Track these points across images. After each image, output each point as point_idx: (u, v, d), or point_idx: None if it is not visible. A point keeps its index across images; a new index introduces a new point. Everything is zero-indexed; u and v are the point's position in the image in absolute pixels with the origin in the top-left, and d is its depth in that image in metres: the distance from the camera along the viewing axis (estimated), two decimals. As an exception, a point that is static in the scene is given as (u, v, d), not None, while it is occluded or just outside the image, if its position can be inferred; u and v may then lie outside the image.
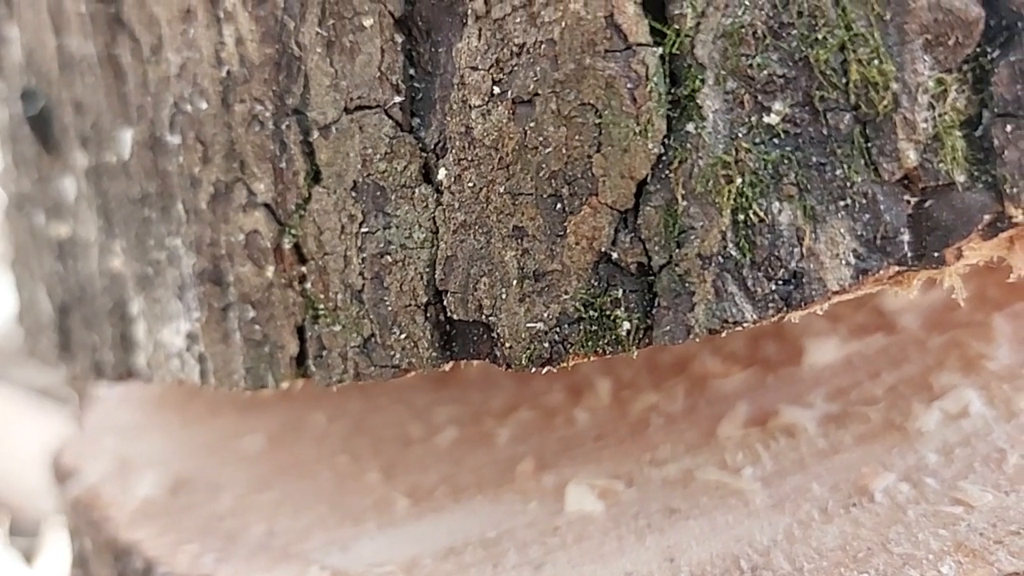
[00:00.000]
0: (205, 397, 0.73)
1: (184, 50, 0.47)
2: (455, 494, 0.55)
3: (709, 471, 0.51)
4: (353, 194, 0.43)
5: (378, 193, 0.43)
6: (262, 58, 0.45)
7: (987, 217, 0.39)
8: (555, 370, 0.41)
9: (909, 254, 0.39)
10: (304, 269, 0.45)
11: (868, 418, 0.52)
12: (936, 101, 0.38)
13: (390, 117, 0.42)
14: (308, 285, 0.45)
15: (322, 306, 0.45)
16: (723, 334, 0.39)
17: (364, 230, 0.43)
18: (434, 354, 0.43)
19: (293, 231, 0.45)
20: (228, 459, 0.65)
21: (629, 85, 0.38)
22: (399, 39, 0.42)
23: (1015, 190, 0.38)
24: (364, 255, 0.43)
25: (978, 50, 0.39)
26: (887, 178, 0.38)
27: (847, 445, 0.51)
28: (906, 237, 0.39)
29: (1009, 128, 0.38)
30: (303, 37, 0.44)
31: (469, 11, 0.41)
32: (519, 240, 0.41)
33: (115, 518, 0.61)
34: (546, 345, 0.41)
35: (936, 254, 0.39)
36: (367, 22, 0.42)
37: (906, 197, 0.39)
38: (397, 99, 0.42)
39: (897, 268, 0.39)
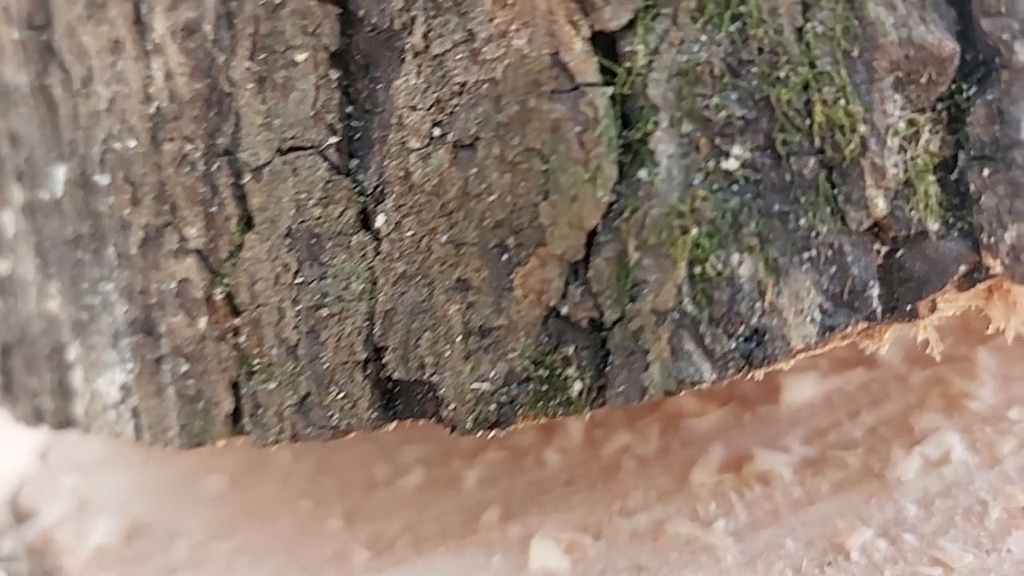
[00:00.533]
0: None
1: (113, 83, 0.45)
2: (417, 545, 0.52)
3: (680, 523, 0.49)
4: (287, 242, 0.40)
5: (313, 241, 0.40)
6: (192, 94, 0.42)
7: (963, 268, 0.36)
8: (502, 434, 0.38)
9: (879, 308, 0.36)
10: (237, 321, 0.42)
11: (846, 464, 0.49)
12: (908, 144, 0.36)
13: (325, 159, 0.40)
14: (242, 339, 0.42)
15: (256, 362, 0.42)
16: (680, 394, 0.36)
17: (299, 280, 0.40)
18: (374, 414, 0.40)
19: (225, 280, 0.42)
20: (188, 501, 0.63)
21: (577, 128, 0.36)
22: (335, 75, 0.39)
23: (992, 239, 0.36)
24: (299, 308, 0.40)
25: (953, 87, 0.36)
26: (855, 227, 0.36)
27: (824, 494, 0.48)
28: (876, 290, 0.36)
29: (986, 172, 0.36)
30: (233, 72, 0.41)
31: (407, 46, 0.38)
32: (463, 293, 0.38)
33: (67, 568, 0.59)
34: (493, 407, 0.38)
35: (908, 307, 0.36)
36: (300, 57, 0.40)
37: (876, 247, 0.36)
38: (333, 140, 0.40)
39: (866, 324, 0.36)
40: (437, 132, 0.37)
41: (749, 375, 0.37)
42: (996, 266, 0.36)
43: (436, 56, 0.37)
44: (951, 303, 0.37)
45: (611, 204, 0.36)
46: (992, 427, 0.48)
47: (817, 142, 0.35)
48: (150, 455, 0.69)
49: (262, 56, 0.40)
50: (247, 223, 0.41)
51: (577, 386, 0.38)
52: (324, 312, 0.40)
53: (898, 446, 0.49)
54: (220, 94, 0.41)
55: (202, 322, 0.43)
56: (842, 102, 0.35)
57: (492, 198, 0.37)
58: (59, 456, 0.74)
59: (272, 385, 0.42)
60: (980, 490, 0.45)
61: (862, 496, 0.47)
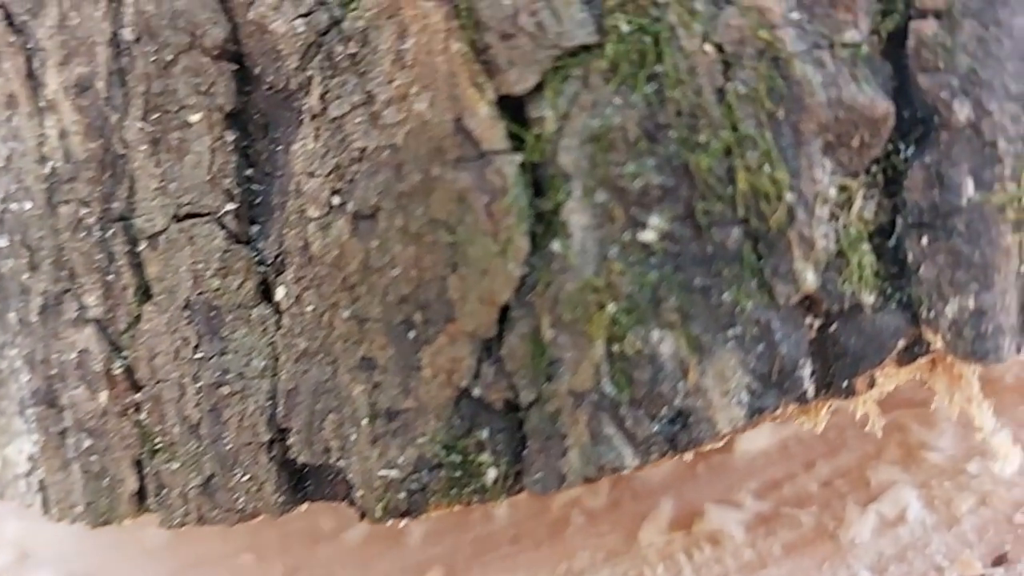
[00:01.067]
0: None
1: (9, 140, 0.42)
2: (357, 606, 0.50)
3: None
4: (186, 314, 0.38)
5: (212, 314, 0.37)
6: (86, 154, 0.39)
7: (902, 342, 0.34)
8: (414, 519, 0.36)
9: (810, 388, 0.34)
10: (138, 397, 0.39)
11: (799, 523, 0.47)
12: (839, 211, 0.33)
13: (223, 227, 0.37)
14: (143, 415, 0.39)
15: (159, 440, 0.39)
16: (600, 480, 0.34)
17: (199, 356, 0.38)
18: (281, 498, 0.37)
19: (124, 353, 0.39)
20: (129, 554, 0.61)
21: (484, 198, 0.33)
22: (231, 137, 0.37)
23: (932, 313, 0.33)
24: (199, 384, 0.38)
25: (889, 148, 0.34)
26: (783, 302, 0.33)
27: (775, 557, 0.46)
28: (807, 369, 0.33)
29: (925, 240, 0.33)
30: (127, 133, 0.38)
31: (304, 108, 0.35)
32: (368, 373, 0.35)
33: (3, 622, 0.57)
34: (403, 495, 0.36)
35: (844, 384, 0.34)
36: (194, 117, 0.37)
37: (808, 320, 0.34)
38: (230, 206, 0.37)
39: (797, 402, 0.34)
40: (336, 201, 0.35)
41: (675, 458, 0.34)
42: (936, 341, 0.33)
43: (334, 119, 0.35)
44: (891, 378, 0.35)
45: (523, 277, 0.34)
46: (951, 481, 0.46)
47: (741, 211, 0.33)
48: None
49: (155, 116, 0.38)
50: (145, 293, 0.39)
51: (492, 473, 0.35)
52: (225, 390, 0.37)
53: (853, 502, 0.47)
54: (114, 156, 0.39)
55: (103, 396, 0.40)
56: (767, 168, 0.32)
57: (396, 272, 0.34)
58: (3, 504, 0.72)
59: (175, 465, 0.39)
60: (936, 554, 0.43)
61: (814, 559, 0.45)
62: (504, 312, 0.34)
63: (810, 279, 0.33)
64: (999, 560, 0.42)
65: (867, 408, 0.36)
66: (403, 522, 0.36)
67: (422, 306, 0.34)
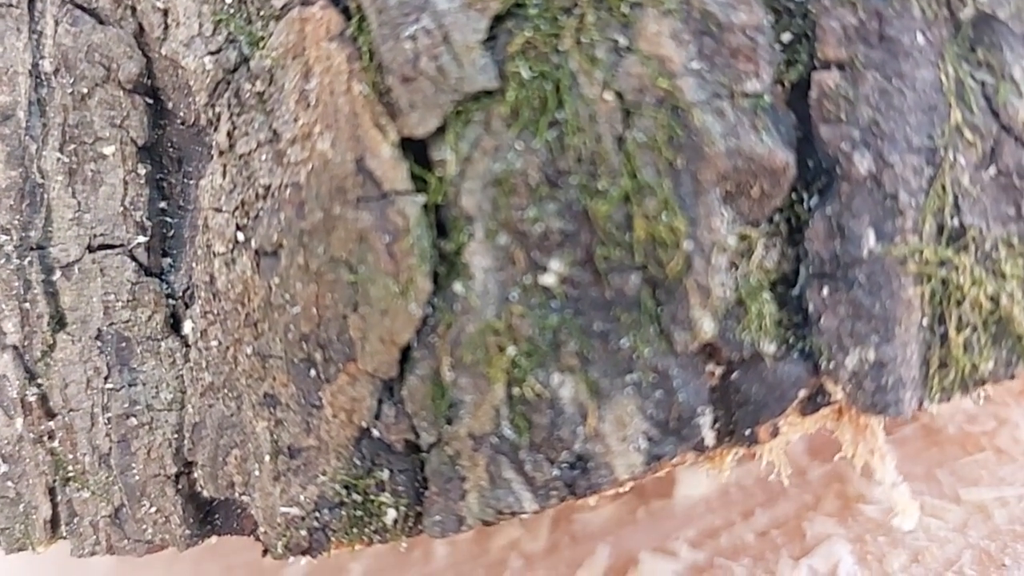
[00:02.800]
0: None
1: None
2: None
3: None
4: (98, 344, 0.38)
5: (123, 345, 0.37)
6: (6, 182, 0.39)
7: (803, 392, 0.33)
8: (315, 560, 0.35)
9: (710, 436, 0.33)
10: (52, 425, 0.39)
11: (733, 574, 0.46)
12: (739, 259, 0.33)
13: (134, 259, 0.37)
14: (56, 443, 0.39)
15: (71, 468, 0.39)
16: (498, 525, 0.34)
17: (109, 386, 0.38)
18: (188, 531, 0.37)
19: (39, 381, 0.39)
20: None
21: (386, 239, 0.33)
22: (143, 170, 0.37)
23: (833, 364, 0.33)
24: (109, 415, 0.38)
25: (793, 197, 0.33)
26: (682, 350, 0.33)
27: None
28: (707, 417, 0.33)
29: (826, 291, 0.33)
30: (44, 163, 0.38)
31: (213, 144, 0.35)
32: (271, 409, 0.35)
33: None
34: (304, 532, 0.36)
35: (747, 432, 0.34)
36: (108, 150, 0.37)
37: (709, 367, 0.33)
38: (141, 239, 0.37)
39: (696, 450, 0.33)
40: (241, 237, 0.35)
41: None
42: (836, 392, 0.33)
43: (241, 156, 0.35)
44: (795, 427, 0.34)
45: (425, 318, 0.34)
46: (885, 537, 0.46)
47: (639, 258, 0.33)
48: None
49: (72, 147, 0.38)
50: (59, 322, 0.39)
51: (392, 514, 0.35)
52: (133, 421, 0.37)
53: (787, 555, 0.46)
54: (33, 185, 0.39)
55: (19, 423, 0.40)
56: (665, 216, 0.32)
57: (297, 309, 0.34)
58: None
59: (86, 494, 0.39)
60: None
61: None
62: (405, 353, 0.34)
63: (707, 327, 0.32)
64: None
65: (773, 456, 0.35)
66: (303, 560, 0.35)
67: (323, 345, 0.34)
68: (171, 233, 0.37)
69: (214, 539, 0.38)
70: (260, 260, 0.34)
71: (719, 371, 0.34)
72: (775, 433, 0.34)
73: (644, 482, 0.53)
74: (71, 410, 0.39)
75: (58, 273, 0.38)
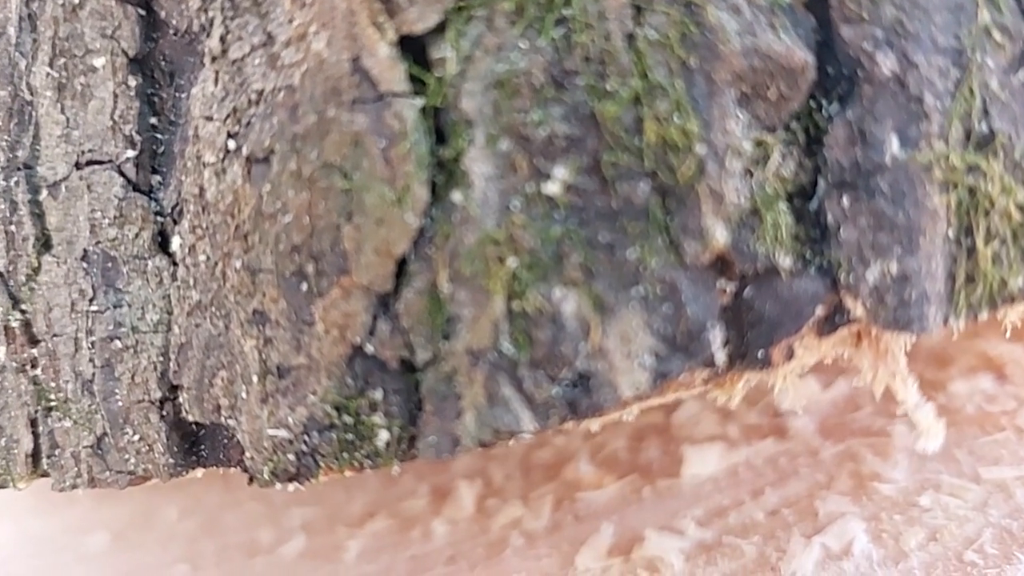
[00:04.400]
0: None
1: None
2: (284, 624, 0.47)
3: None
4: (84, 265, 0.36)
5: (109, 265, 0.35)
6: (-5, 102, 0.37)
7: (820, 310, 0.31)
8: (302, 487, 0.33)
9: (721, 355, 0.31)
10: (35, 352, 0.37)
11: (742, 553, 0.44)
12: (754, 167, 0.31)
13: (122, 174, 0.35)
14: (39, 371, 0.37)
15: (53, 397, 0.37)
16: (497, 446, 0.31)
17: (94, 308, 0.35)
18: (171, 460, 0.35)
19: (23, 306, 0.37)
20: (69, 559, 0.59)
21: (381, 143, 0.31)
22: (134, 82, 0.35)
23: (852, 278, 0.31)
24: (93, 338, 0.36)
25: (812, 104, 0.31)
26: (692, 261, 0.30)
27: None
28: (717, 334, 0.31)
29: (846, 200, 0.31)
30: (34, 79, 0.36)
31: (206, 50, 0.33)
32: (260, 327, 0.33)
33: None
34: (292, 457, 0.33)
35: (760, 353, 0.31)
36: (99, 62, 0.35)
37: (721, 284, 0.31)
38: (130, 153, 0.35)
39: (706, 370, 0.31)
40: (232, 145, 0.33)
41: (578, 425, 0.32)
42: (856, 308, 0.31)
43: (234, 61, 0.33)
44: (811, 350, 0.32)
45: (422, 229, 0.31)
46: (901, 515, 0.43)
47: (648, 164, 0.30)
48: (40, 507, 0.65)
49: (61, 61, 0.36)
50: (45, 244, 0.37)
51: (384, 435, 0.32)
52: (118, 344, 0.35)
53: (799, 533, 0.43)
54: (22, 103, 0.37)
55: (1, 351, 0.38)
56: (677, 118, 0.30)
57: (288, 219, 0.32)
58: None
59: (68, 423, 0.37)
60: None
61: None
62: (401, 266, 0.32)
63: (720, 236, 0.30)
64: None
65: (787, 384, 0.33)
66: (291, 487, 0.33)
67: (315, 257, 0.32)
68: (161, 150, 0.35)
69: (199, 472, 0.36)
70: (251, 168, 0.32)
71: (731, 288, 0.31)
72: (790, 355, 0.31)
73: (652, 459, 0.50)
74: (55, 335, 0.36)
75: (44, 192, 0.36)
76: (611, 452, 0.53)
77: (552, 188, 0.31)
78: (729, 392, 0.33)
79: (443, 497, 0.54)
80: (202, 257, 0.34)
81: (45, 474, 0.39)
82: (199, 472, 0.36)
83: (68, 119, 0.36)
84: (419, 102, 0.31)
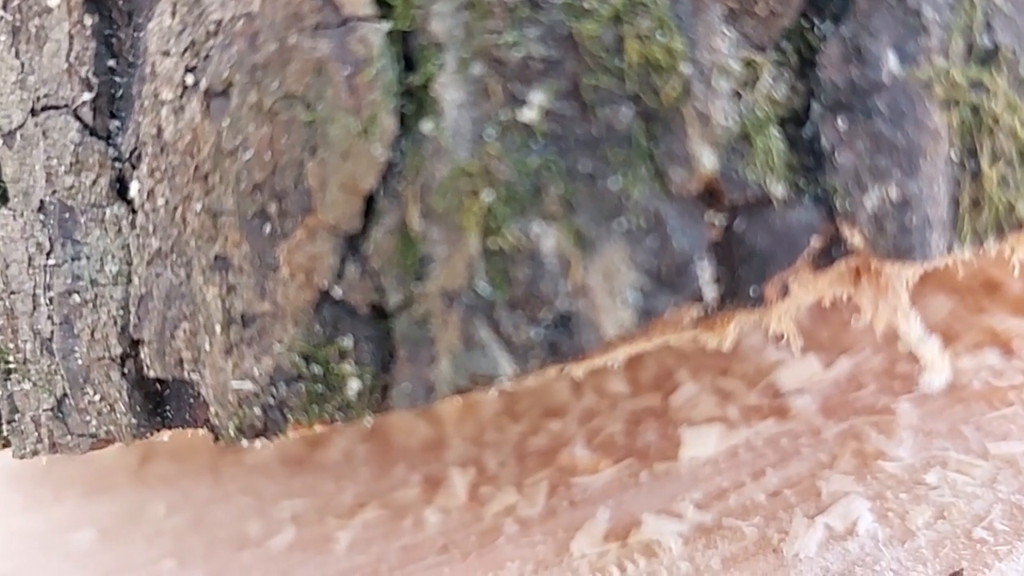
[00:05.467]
0: (54, 478, 0.65)
1: None
2: (272, 618, 0.45)
3: None
4: (40, 217, 0.33)
5: (66, 216, 0.33)
6: (-51, 51, 0.35)
7: (815, 240, 0.29)
8: (270, 443, 0.31)
9: (709, 291, 0.28)
10: (-8, 312, 0.35)
11: (743, 535, 0.41)
12: (743, 89, 0.28)
13: (78, 119, 0.33)
14: (-3, 332, 0.35)
15: (12, 358, 0.35)
16: (474, 392, 0.29)
17: (51, 262, 0.33)
18: (135, 420, 0.33)
19: (-20, 264, 0.35)
20: (55, 556, 0.57)
21: (346, 71, 0.29)
22: (90, 21, 0.33)
23: (850, 204, 0.28)
24: (51, 294, 0.33)
25: (803, 23, 0.29)
26: (678, 191, 0.28)
27: (713, 571, 0.40)
28: (706, 268, 0.28)
29: (842, 123, 0.28)
30: (-12, 24, 0.34)
31: (163, -17, 0.31)
32: (223, 273, 0.31)
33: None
34: (258, 410, 0.31)
35: (752, 290, 0.29)
36: (53, 2, 0.33)
37: (709, 218, 0.29)
38: (87, 96, 0.33)
39: (695, 308, 0.28)
40: (190, 80, 0.30)
41: (560, 370, 0.29)
42: (854, 237, 0.28)
43: (191, -9, 0.30)
44: (807, 287, 0.29)
45: (390, 163, 0.29)
46: (907, 493, 0.40)
47: (631, 86, 0.28)
48: (28, 504, 0.63)
49: (15, 3, 0.33)
50: (2, 197, 0.34)
51: (355, 385, 0.30)
52: (76, 299, 0.33)
53: (802, 514, 0.41)
54: (-24, 49, 0.35)
55: (-41, 314, 0.36)
56: (660, 36, 0.28)
57: (249, 155, 0.30)
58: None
59: (27, 386, 0.34)
60: (886, 571, 0.37)
61: (754, 574, 0.39)
62: (369, 203, 0.29)
63: (707, 161, 0.28)
64: None
65: (783, 325, 0.30)
66: (258, 444, 0.30)
67: (278, 196, 0.30)
68: (119, 93, 0.33)
69: (166, 436, 0.33)
70: (210, 102, 0.30)
71: (720, 221, 0.29)
72: (785, 293, 0.29)
73: (650, 442, 0.48)
74: (12, 293, 0.34)
75: (0, 142, 0.34)
76: (607, 436, 0.51)
77: (528, 115, 0.28)
78: (720, 334, 0.30)
79: (435, 486, 0.52)
80: (161, 201, 0.31)
81: (7, 443, 0.36)
82: (165, 435, 0.34)
83: (23, 64, 0.33)
84: (385, 26, 0.29)
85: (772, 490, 0.43)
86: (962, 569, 0.36)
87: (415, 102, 0.29)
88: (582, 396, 0.55)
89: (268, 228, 0.30)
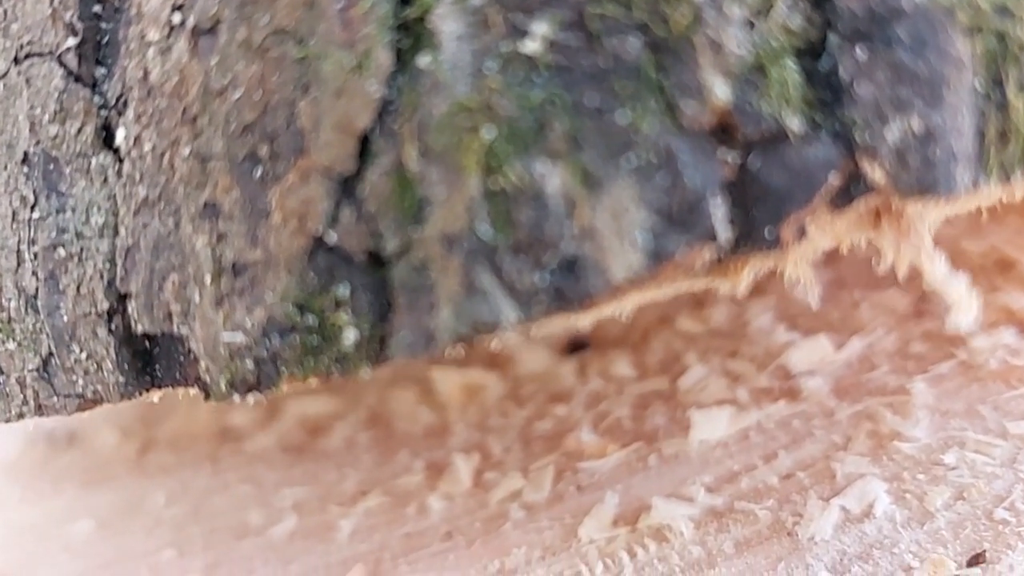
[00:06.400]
0: (53, 470, 0.64)
1: None
2: (273, 608, 0.43)
3: None
4: (24, 170, 0.32)
5: (50, 167, 0.31)
6: (-69, 3, 0.33)
7: (834, 177, 0.27)
8: (263, 397, 0.29)
9: (723, 231, 0.27)
10: (-23, 270, 0.33)
11: (756, 518, 0.40)
12: (757, 18, 0.26)
13: (62, 65, 0.31)
14: (-19, 291, 0.33)
15: (-4, 318, 0.33)
16: (476, 342, 0.27)
17: (36, 216, 0.31)
18: (122, 379, 0.31)
19: (-37, 221, 0.33)
20: (53, 548, 0.55)
21: (339, 3, 0.27)
22: (74, -35, 0.31)
23: (870, 137, 0.26)
24: (36, 249, 0.31)
25: (820, -51, 0.27)
26: (689, 125, 0.26)
27: (726, 555, 0.39)
28: (720, 205, 0.27)
29: (861, 53, 0.27)
30: (-31, -30, 0.32)
31: (148, -81, 0.29)
32: (212, 221, 0.29)
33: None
34: (250, 364, 0.29)
35: (768, 231, 0.27)
36: (36, -55, 0.31)
37: (722, 155, 0.27)
38: (71, 42, 0.31)
39: (708, 249, 0.27)
40: (177, 19, 0.29)
41: (566, 318, 0.27)
42: (875, 172, 0.26)
43: (178, -74, 0.29)
44: (825, 229, 0.28)
45: (386, 100, 0.27)
46: (925, 474, 0.39)
47: (639, 15, 0.26)
48: (26, 496, 0.62)
49: (-3, -54, 0.32)
50: (-15, 150, 0.33)
51: (351, 335, 0.28)
52: (62, 253, 0.31)
53: (816, 496, 0.40)
54: (-42, -1, 0.33)
55: (-58, 274, 0.34)
56: (668, -39, 0.26)
57: (239, 94, 0.28)
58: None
59: (12, 346, 0.33)
60: (905, 553, 0.36)
61: (769, 558, 0.38)
62: (364, 144, 0.28)
63: (720, 91, 0.26)
64: (976, 559, 0.35)
65: (799, 271, 0.28)
66: (251, 399, 0.29)
67: (269, 137, 0.28)
68: (105, 39, 0.31)
69: (156, 397, 0.32)
70: (197, 41, 0.28)
71: (734, 159, 0.27)
72: (801, 234, 0.27)
73: (658, 425, 0.46)
74: (-5, 249, 0.32)
75: (-18, 93, 0.32)
76: (614, 420, 0.50)
77: (531, 46, 0.27)
78: (734, 280, 0.28)
79: (439, 472, 0.50)
80: (148, 147, 0.30)
81: (-8, 407, 0.34)
82: (155, 396, 0.32)
83: (6, 12, 0.32)
84: (378, -43, 0.27)
85: (785, 473, 0.42)
86: (984, 550, 0.35)
87: (411, 35, 0.27)
88: (587, 381, 0.54)
89: (259, 172, 0.28)
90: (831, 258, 0.57)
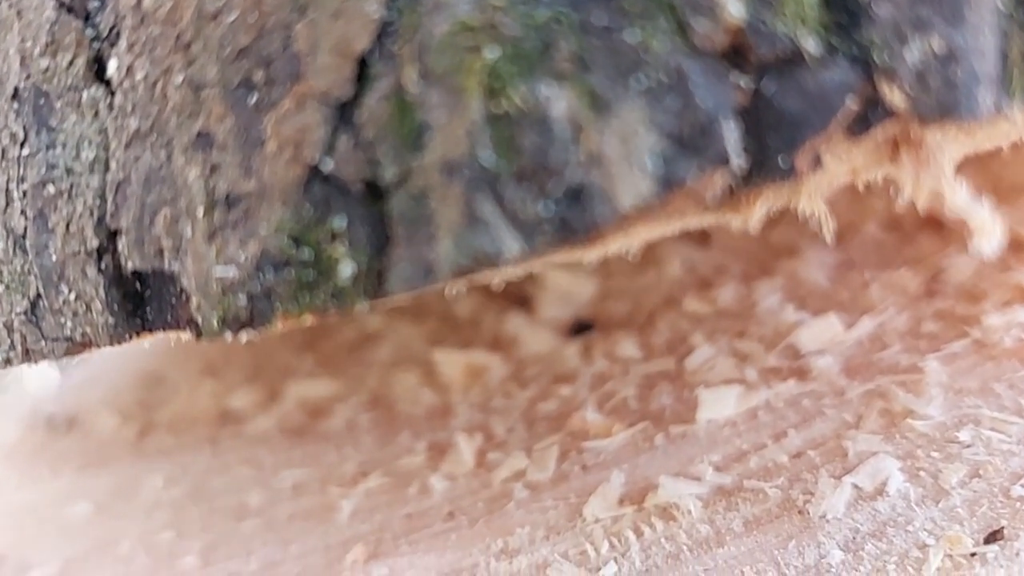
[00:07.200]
0: (51, 453, 0.63)
1: None
2: (272, 589, 0.42)
3: (565, 568, 0.38)
4: (14, 106, 0.30)
5: (41, 101, 0.30)
6: (-78, -60, 0.32)
7: (851, 101, 0.25)
8: (256, 334, 0.27)
9: (737, 155, 0.25)
10: (-35, 212, 0.32)
11: (765, 496, 0.38)
12: (771, -66, 0.25)
13: (54, -3, 0.30)
14: (-31, 233, 0.32)
15: (-16, 260, 0.32)
16: (477, 275, 0.26)
17: (25, 153, 0.30)
18: (112, 320, 0.30)
19: (-48, 161, 0.32)
20: (51, 530, 0.55)
21: (336, -80, 0.26)
22: None
23: (889, 58, 0.25)
24: (25, 186, 0.30)
25: None
26: (701, 45, 0.25)
27: (735, 533, 0.37)
28: (733, 129, 0.25)
29: (879, -27, 0.25)
30: (-39, -96, 0.31)
31: None
32: (205, 152, 0.28)
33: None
34: (243, 299, 0.28)
35: (782, 160, 0.26)
36: None
37: (735, 79, 0.26)
38: (63, -27, 0.30)
39: (721, 176, 0.25)
40: (170, -59, 0.27)
41: (571, 250, 0.26)
42: (894, 95, 0.25)
43: None
44: (841, 158, 0.26)
45: (385, 22, 0.26)
46: (939, 452, 0.38)
47: (648, -71, 0.25)
48: (23, 479, 0.61)
49: None
50: (-26, 88, 0.32)
51: (348, 268, 0.27)
52: (51, 189, 0.30)
53: (827, 474, 0.38)
54: (-51, -67, 0.32)
55: (-70, 218, 0.33)
56: None
57: (233, 16, 0.27)
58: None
59: (1, 288, 0.31)
60: (920, 531, 0.35)
61: (780, 537, 0.36)
62: (362, 68, 0.26)
63: (733, 9, 0.25)
64: (993, 536, 0.34)
65: (813, 205, 0.27)
66: (243, 336, 0.27)
67: (264, 62, 0.27)
68: (99, -29, 0.30)
69: (147, 343, 0.30)
70: (188, -37, 0.27)
71: (747, 84, 0.26)
72: (817, 164, 0.26)
73: (665, 405, 0.45)
74: (-15, 189, 0.31)
75: (-27, 29, 0.31)
76: (620, 400, 0.48)
77: (535, -36, 0.25)
78: (746, 214, 0.27)
79: (441, 453, 0.49)
80: (140, 76, 0.28)
81: (-20, 356, 0.33)
82: (146, 342, 0.30)
83: (-3, -55, 0.31)
84: None
85: (795, 451, 0.40)
86: (1002, 527, 0.33)
87: (413, -44, 0.26)
88: (592, 362, 0.52)
89: (254, 98, 0.27)
90: (840, 239, 0.55)
